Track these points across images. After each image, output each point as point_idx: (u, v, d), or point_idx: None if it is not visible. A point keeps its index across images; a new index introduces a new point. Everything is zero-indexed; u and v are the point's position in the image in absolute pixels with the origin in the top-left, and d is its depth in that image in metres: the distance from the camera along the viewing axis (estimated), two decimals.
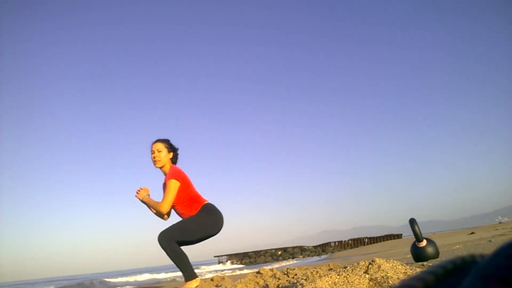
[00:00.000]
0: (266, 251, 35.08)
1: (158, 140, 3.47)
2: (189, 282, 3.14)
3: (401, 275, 1.92)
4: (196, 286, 3.15)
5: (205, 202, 3.37)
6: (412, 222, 3.10)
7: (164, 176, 3.45)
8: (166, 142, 3.48)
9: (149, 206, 3.36)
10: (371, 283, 1.87)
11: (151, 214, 3.43)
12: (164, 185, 3.40)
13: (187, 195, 3.30)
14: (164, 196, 3.26)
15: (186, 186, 3.32)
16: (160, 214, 3.37)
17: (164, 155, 3.41)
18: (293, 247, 34.48)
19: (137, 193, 3.38)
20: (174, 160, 3.50)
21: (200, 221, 3.26)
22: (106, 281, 15.64)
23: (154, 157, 3.40)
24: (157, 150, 3.40)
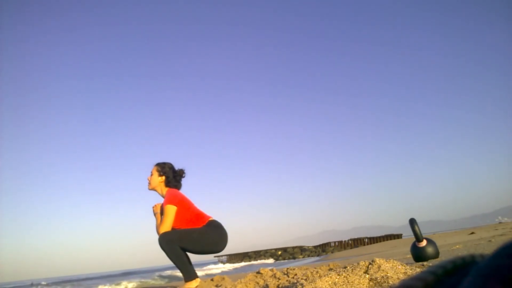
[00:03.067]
0: (266, 251, 35.08)
1: (156, 164, 3.52)
2: (189, 283, 3.14)
3: (401, 275, 1.92)
4: (196, 287, 3.14)
5: (210, 219, 3.34)
6: (412, 222, 3.09)
7: (163, 200, 3.46)
8: (160, 165, 3.48)
9: (156, 219, 3.42)
10: (371, 283, 1.87)
11: (151, 210, 3.49)
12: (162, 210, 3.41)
13: (189, 215, 3.28)
14: (162, 221, 3.25)
15: (185, 207, 3.29)
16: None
17: (154, 179, 3.44)
18: (293, 247, 34.48)
19: (155, 206, 3.46)
20: (169, 183, 3.46)
21: (204, 234, 3.23)
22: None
23: (148, 178, 3.51)
24: (151, 173, 3.49)
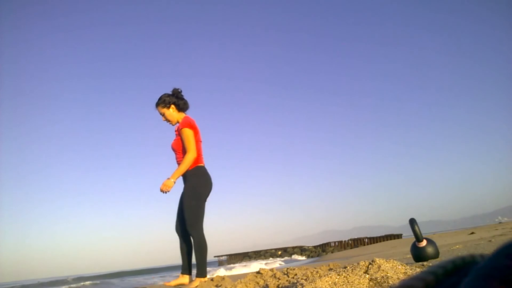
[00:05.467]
0: (266, 251, 35.04)
1: (156, 105, 3.48)
2: (196, 280, 3.21)
3: (401, 275, 1.92)
4: (196, 286, 3.16)
5: (200, 164, 3.40)
6: (412, 222, 3.09)
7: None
8: (160, 103, 3.47)
9: (183, 175, 3.32)
10: (371, 283, 1.87)
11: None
12: (175, 141, 3.42)
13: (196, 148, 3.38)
14: (186, 146, 3.28)
15: (196, 139, 3.38)
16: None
17: (168, 114, 3.46)
18: (293, 247, 34.44)
19: (165, 190, 3.21)
20: (180, 107, 3.49)
21: (197, 190, 3.31)
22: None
23: (164, 121, 3.51)
24: (161, 114, 3.49)
